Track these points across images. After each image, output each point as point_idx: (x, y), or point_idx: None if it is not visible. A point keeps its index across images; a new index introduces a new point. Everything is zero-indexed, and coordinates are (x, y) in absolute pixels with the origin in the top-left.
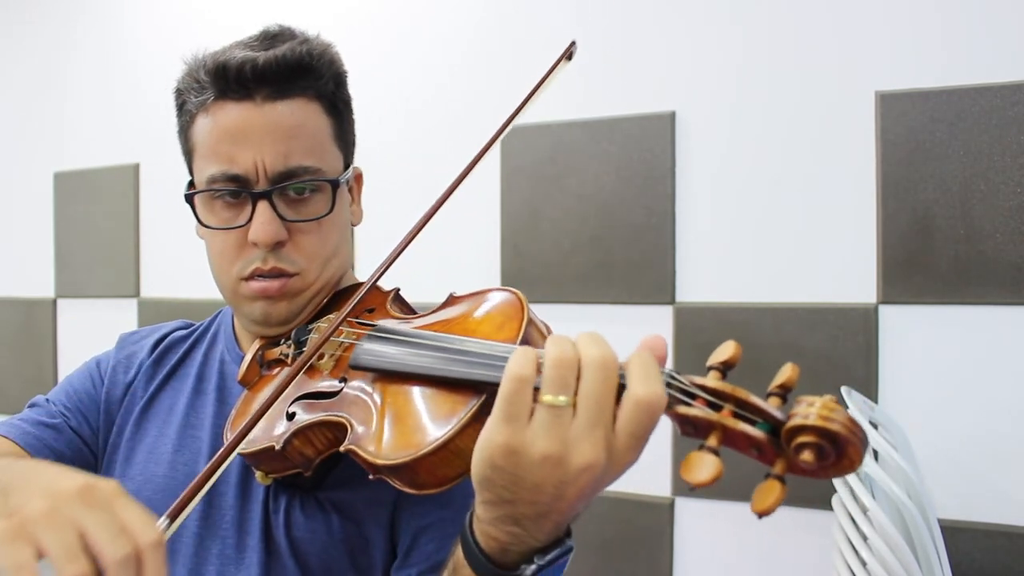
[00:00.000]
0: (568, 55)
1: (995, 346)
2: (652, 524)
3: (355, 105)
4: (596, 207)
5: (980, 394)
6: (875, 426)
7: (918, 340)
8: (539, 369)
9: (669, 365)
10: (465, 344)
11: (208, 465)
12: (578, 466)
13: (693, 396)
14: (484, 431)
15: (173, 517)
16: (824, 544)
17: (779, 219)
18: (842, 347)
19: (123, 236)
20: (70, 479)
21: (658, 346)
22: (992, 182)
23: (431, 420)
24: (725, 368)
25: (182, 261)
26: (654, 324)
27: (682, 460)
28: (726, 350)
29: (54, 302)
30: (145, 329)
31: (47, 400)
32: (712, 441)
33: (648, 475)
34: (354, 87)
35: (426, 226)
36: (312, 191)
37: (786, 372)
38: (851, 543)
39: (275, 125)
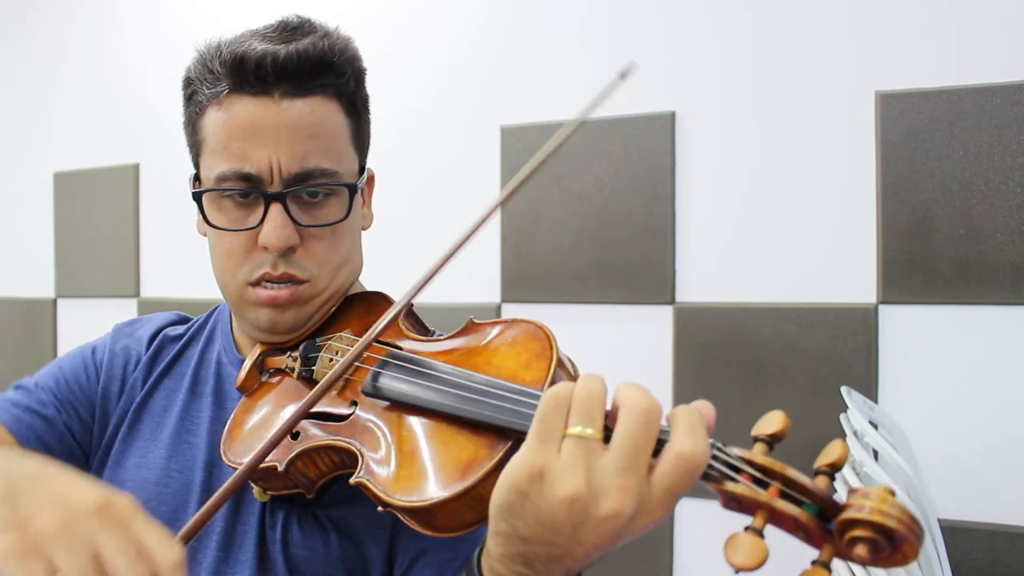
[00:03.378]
0: (623, 74)
1: (995, 346)
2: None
3: None
4: (596, 207)
5: (980, 394)
6: (875, 426)
7: (918, 340)
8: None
9: (669, 369)
10: (491, 384)
11: (216, 495)
12: (603, 512)
13: (738, 471)
14: (516, 455)
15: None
16: None
17: (779, 219)
18: (842, 347)
19: (123, 236)
20: (85, 492)
21: (708, 413)
22: (992, 182)
23: (453, 464)
24: (772, 441)
25: (182, 261)
26: (654, 324)
27: (727, 540)
28: (774, 422)
29: (54, 302)
30: (140, 319)
31: (36, 385)
32: (758, 522)
33: None
34: None
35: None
36: (327, 195)
37: (836, 451)
38: None
39: (293, 124)
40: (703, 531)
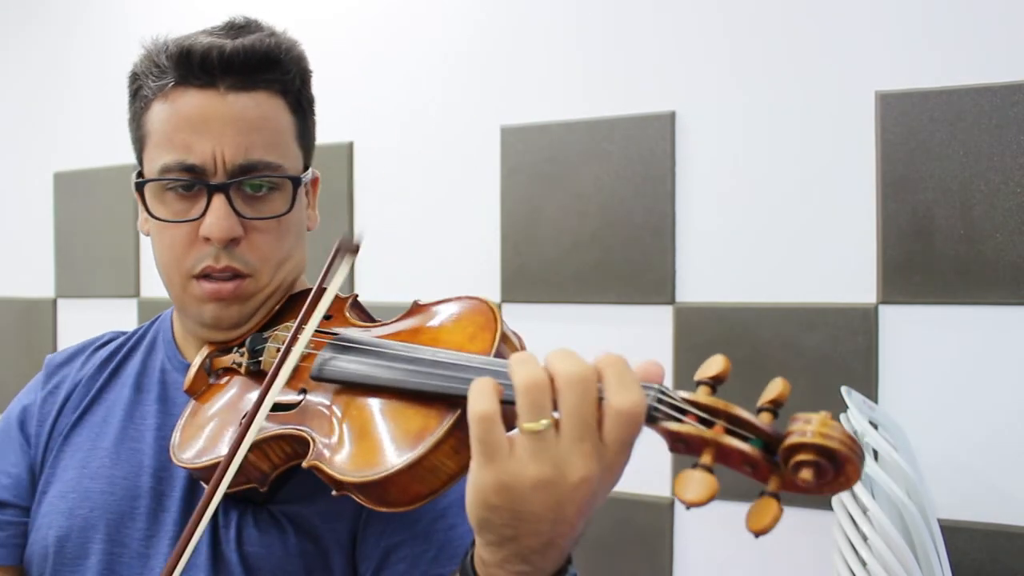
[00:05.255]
0: (352, 250)
1: (995, 346)
2: (652, 524)
3: (355, 106)
4: (596, 207)
5: (980, 394)
6: (875, 426)
7: (918, 340)
8: (502, 394)
9: (669, 368)
10: (437, 355)
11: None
12: (573, 482)
13: (684, 412)
14: (470, 475)
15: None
16: (824, 544)
17: (779, 219)
18: (842, 347)
19: (123, 236)
20: None
21: (653, 371)
22: (992, 182)
23: (403, 436)
24: (715, 383)
25: None
26: (654, 324)
27: (676, 478)
28: (715, 364)
29: (54, 302)
30: (72, 347)
31: None
32: (706, 459)
33: (648, 475)
34: (354, 88)
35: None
36: (271, 189)
37: (777, 387)
38: (851, 543)
39: (238, 116)
40: (703, 531)
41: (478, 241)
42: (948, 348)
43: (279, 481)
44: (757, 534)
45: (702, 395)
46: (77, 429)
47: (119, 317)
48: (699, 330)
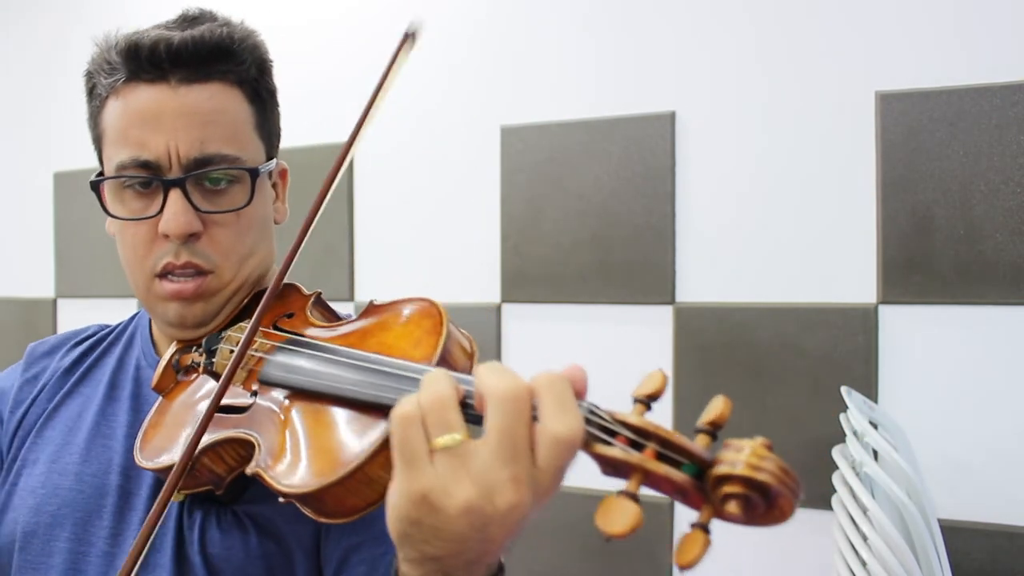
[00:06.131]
0: (410, 39)
1: (995, 346)
2: (652, 524)
3: (355, 107)
4: (596, 207)
5: (980, 394)
6: (875, 426)
7: (918, 340)
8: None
9: (669, 369)
10: (380, 363)
11: (148, 518)
12: (503, 507)
13: (614, 433)
14: (392, 485)
15: None
16: (824, 544)
17: (779, 219)
18: (842, 347)
19: None
20: None
21: (578, 378)
22: (992, 182)
23: (340, 446)
24: (649, 401)
25: None
26: (654, 324)
27: (598, 506)
28: (652, 382)
29: (54, 302)
30: (55, 338)
31: None
32: (632, 485)
33: None
34: (354, 88)
35: (318, 218)
36: (229, 182)
37: (717, 407)
38: (851, 543)
39: (190, 109)
40: None
41: (478, 241)
42: (948, 348)
43: (243, 481)
44: (683, 568)
45: (634, 416)
46: (50, 423)
47: (119, 317)
48: (699, 330)
